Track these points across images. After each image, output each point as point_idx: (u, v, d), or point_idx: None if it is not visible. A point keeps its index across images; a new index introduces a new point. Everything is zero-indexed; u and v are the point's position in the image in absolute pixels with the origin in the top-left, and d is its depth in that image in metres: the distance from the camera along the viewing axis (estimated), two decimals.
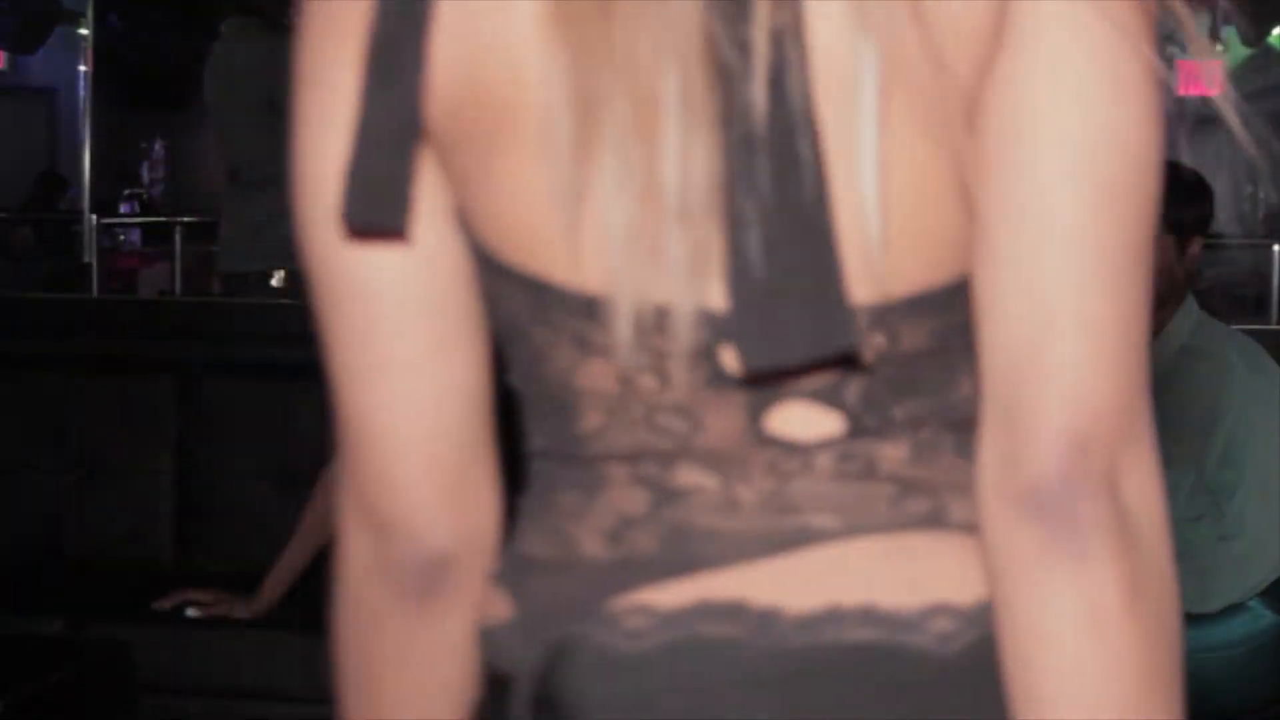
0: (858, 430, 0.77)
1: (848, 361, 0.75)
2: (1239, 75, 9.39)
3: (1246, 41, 8.67)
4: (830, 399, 0.77)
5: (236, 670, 2.82)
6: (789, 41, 0.69)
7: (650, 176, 0.70)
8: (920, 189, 0.74)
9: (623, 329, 0.73)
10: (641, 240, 0.71)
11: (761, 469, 0.78)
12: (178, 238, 6.28)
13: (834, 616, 0.76)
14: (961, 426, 0.78)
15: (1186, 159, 2.68)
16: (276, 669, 2.81)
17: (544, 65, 0.72)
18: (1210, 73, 7.45)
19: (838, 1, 0.71)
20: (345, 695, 0.89)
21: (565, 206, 0.73)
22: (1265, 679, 2.66)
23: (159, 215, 8.76)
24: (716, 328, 0.73)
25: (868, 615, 0.76)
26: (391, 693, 0.87)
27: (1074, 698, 0.72)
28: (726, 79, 0.69)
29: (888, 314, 0.75)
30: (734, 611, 0.77)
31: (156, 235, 8.24)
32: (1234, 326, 2.96)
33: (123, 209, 9.28)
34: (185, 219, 6.46)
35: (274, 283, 4.25)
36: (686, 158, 0.70)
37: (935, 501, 0.79)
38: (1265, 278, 5.80)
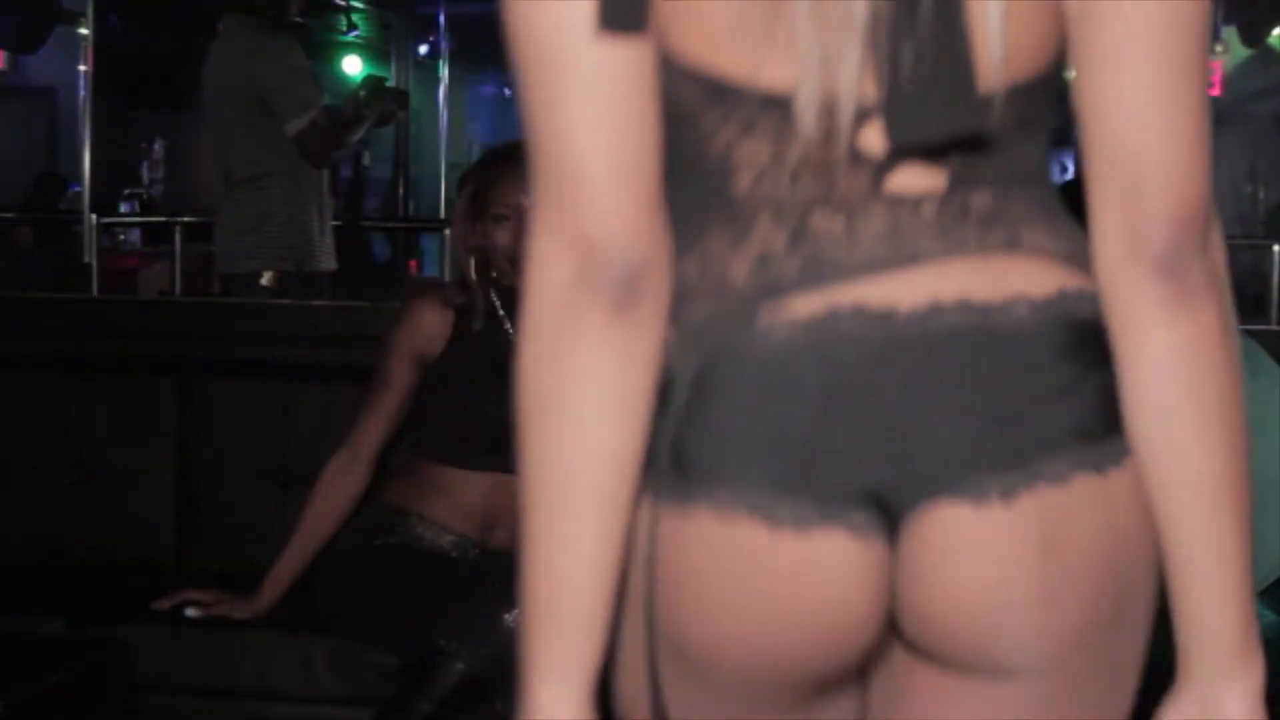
0: (956, 184, 1.01)
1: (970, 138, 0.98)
2: (1239, 75, 9.38)
3: (1247, 41, 8.66)
4: (939, 162, 1.00)
5: (236, 670, 2.82)
6: None
7: (836, 6, 0.94)
8: (1021, 15, 0.97)
9: (807, 116, 0.96)
10: (826, 51, 0.95)
11: (880, 214, 1.00)
12: (178, 238, 6.26)
13: (936, 308, 0.98)
14: (1028, 180, 1.04)
15: None
16: (276, 669, 2.81)
17: None
18: (1210, 73, 7.44)
19: None
20: (527, 421, 1.00)
21: (763, 24, 0.95)
22: (1265, 679, 2.65)
23: (159, 215, 8.73)
24: (862, 115, 0.97)
25: (963, 305, 0.99)
26: (579, 403, 0.98)
27: (1191, 401, 0.99)
28: None
29: (992, 102, 0.97)
30: (857, 312, 0.98)
31: (156, 235, 8.22)
32: None
33: (123, 209, 9.27)
34: (185, 219, 6.41)
35: (264, 282, 4.23)
36: None
37: (1012, 231, 1.01)
38: (1265, 278, 5.80)
